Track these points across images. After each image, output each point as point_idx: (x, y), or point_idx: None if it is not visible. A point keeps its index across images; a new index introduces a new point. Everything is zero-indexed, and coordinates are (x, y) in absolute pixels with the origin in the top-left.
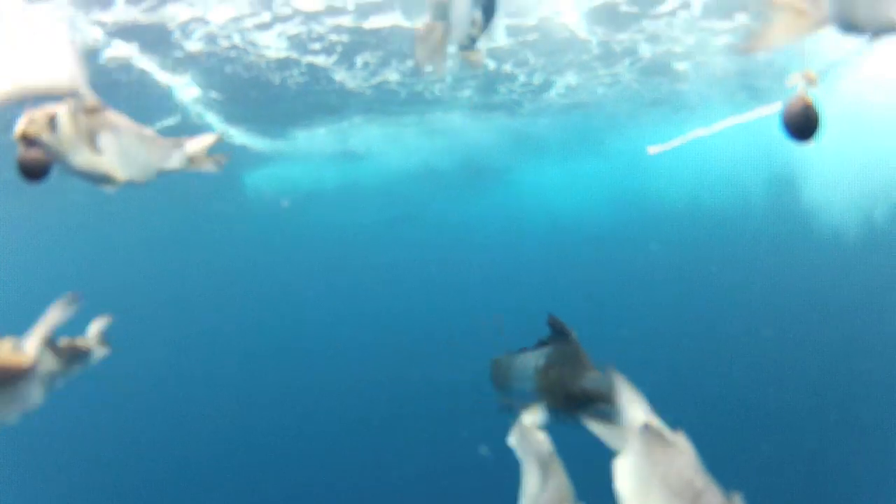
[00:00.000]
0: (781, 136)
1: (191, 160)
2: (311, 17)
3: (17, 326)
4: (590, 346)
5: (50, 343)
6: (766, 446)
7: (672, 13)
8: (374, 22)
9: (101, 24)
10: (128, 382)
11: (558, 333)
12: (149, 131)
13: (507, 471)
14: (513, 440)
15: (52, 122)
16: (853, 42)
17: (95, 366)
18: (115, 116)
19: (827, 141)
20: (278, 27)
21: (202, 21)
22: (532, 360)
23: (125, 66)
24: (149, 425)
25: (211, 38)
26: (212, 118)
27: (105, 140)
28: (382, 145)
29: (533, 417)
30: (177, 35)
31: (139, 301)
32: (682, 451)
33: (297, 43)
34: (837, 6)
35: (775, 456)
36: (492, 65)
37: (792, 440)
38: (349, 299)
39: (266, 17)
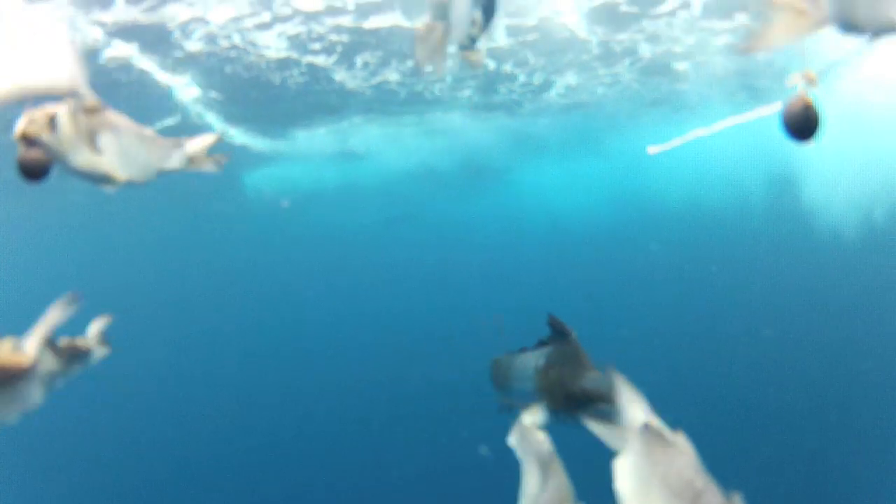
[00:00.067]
0: (781, 136)
1: (191, 160)
2: (311, 17)
3: (17, 326)
4: (590, 346)
5: (50, 343)
6: (766, 446)
7: (672, 13)
8: (374, 22)
9: (101, 24)
10: (128, 382)
11: (558, 333)
12: (149, 131)
13: (507, 471)
14: (513, 440)
15: (52, 122)
16: (853, 42)
17: (95, 366)
18: (115, 116)
19: (827, 141)
20: (278, 27)
21: (202, 21)
22: (532, 360)
23: (125, 66)
24: (149, 425)
25: (211, 38)
26: (212, 118)
27: (105, 140)
28: (382, 145)
29: (533, 417)
30: (177, 35)
31: (139, 301)
32: (682, 451)
33: (297, 43)
34: (837, 6)
35: (775, 456)
36: (492, 65)
37: (792, 440)
38: (349, 299)
39: (266, 17)
